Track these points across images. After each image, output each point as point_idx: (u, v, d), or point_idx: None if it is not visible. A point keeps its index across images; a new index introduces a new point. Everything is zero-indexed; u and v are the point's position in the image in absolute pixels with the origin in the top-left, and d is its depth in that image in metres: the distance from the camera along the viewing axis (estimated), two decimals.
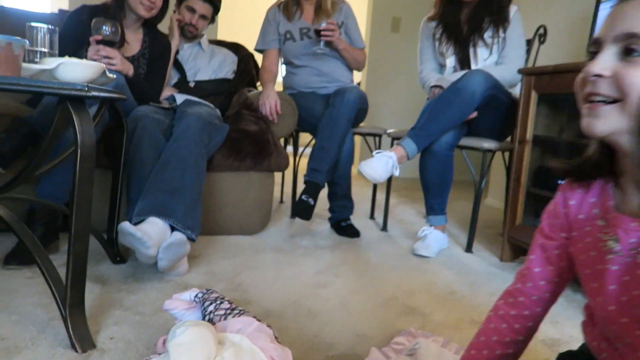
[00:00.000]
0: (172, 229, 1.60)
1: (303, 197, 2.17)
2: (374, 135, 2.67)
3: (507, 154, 2.45)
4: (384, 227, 2.58)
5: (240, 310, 1.08)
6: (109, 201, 1.83)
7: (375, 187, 2.82)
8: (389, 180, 2.58)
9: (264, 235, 2.30)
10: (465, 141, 2.16)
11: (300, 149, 2.81)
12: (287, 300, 1.52)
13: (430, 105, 2.05)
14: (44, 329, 1.20)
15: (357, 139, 3.64)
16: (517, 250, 2.11)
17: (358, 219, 2.68)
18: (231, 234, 2.23)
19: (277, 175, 2.61)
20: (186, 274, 1.69)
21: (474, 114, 2.07)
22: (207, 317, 1.09)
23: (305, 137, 2.83)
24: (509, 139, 2.37)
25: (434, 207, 2.20)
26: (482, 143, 2.10)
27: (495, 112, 2.11)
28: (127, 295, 1.46)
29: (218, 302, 1.12)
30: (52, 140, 1.24)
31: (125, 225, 1.42)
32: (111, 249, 1.76)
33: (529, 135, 1.97)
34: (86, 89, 1.03)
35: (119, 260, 1.74)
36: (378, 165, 1.94)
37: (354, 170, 2.37)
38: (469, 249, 2.23)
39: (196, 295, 1.17)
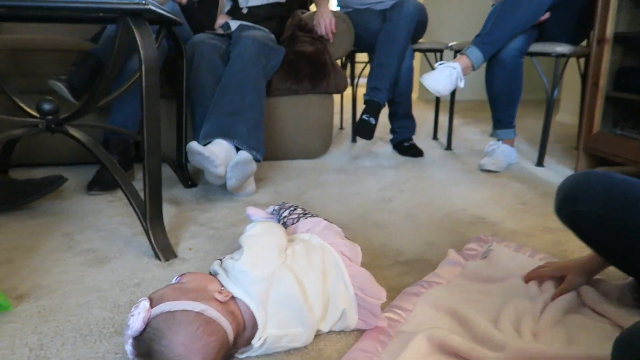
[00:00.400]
0: (237, 150, 1.63)
1: (364, 116, 2.13)
2: (435, 50, 2.54)
3: (582, 62, 2.26)
4: (448, 146, 2.51)
5: (313, 215, 1.10)
6: (176, 129, 1.89)
7: (437, 107, 2.72)
8: (452, 99, 2.48)
9: (326, 158, 2.31)
10: (536, 47, 2.01)
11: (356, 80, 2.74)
12: (353, 214, 1.53)
13: (497, 9, 1.90)
14: (129, 243, 1.29)
15: (417, 57, 3.48)
16: (593, 161, 1.99)
17: (420, 140, 2.62)
18: (294, 159, 2.25)
19: (336, 103, 2.58)
20: (254, 194, 1.74)
21: (546, 15, 1.90)
22: (281, 222, 1.12)
23: (362, 58, 2.75)
24: (584, 42, 2.17)
25: (502, 120, 2.09)
26: (554, 47, 1.94)
27: (570, 11, 1.93)
28: (201, 214, 1.53)
29: (292, 208, 1.14)
30: (115, 65, 1.27)
31: (193, 144, 1.46)
32: (182, 173, 1.83)
33: (609, 33, 1.79)
34: (144, 1, 1.03)
35: (190, 184, 1.81)
36: (441, 76, 1.85)
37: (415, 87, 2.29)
38: (540, 162, 2.13)
39: (273, 209, 1.20)
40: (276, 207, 1.21)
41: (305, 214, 1.11)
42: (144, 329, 0.71)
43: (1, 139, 1.38)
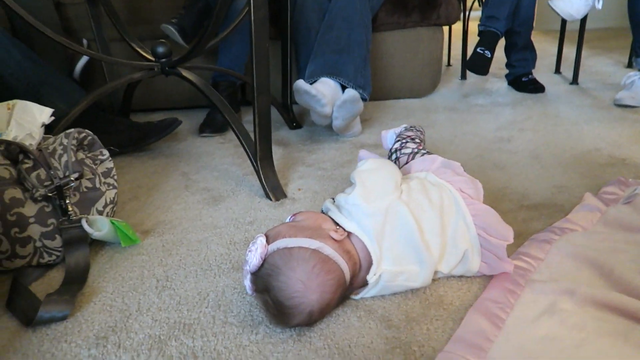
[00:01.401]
0: (343, 88, 1.57)
1: (478, 49, 1.95)
2: None
3: None
4: (574, 80, 2.24)
5: (427, 152, 1.02)
6: (281, 70, 1.87)
7: (562, 37, 2.41)
8: (582, 25, 2.17)
9: (435, 96, 2.17)
10: None
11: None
12: (468, 155, 1.42)
13: None
14: (240, 182, 1.31)
15: None
16: None
17: (540, 74, 2.35)
18: (400, 98, 2.15)
19: (444, 38, 2.38)
20: (360, 135, 1.68)
21: None
22: (393, 156, 1.06)
23: None
24: None
25: None
26: None
27: None
28: (308, 155, 1.51)
29: (406, 140, 1.07)
30: (223, 5, 1.24)
31: (301, 82, 1.42)
32: (287, 115, 1.82)
33: None
34: None
35: (296, 126, 1.80)
36: None
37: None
38: None
39: (399, 134, 1.16)
40: (397, 132, 1.18)
41: (419, 151, 1.03)
42: (262, 265, 0.70)
43: (123, 83, 1.45)
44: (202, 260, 0.93)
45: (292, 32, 1.80)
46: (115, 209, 1.09)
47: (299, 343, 0.69)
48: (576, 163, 1.31)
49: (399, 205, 0.77)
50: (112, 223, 0.96)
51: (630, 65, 2.54)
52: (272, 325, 0.73)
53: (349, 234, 0.76)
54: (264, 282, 0.70)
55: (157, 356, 0.69)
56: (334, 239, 0.73)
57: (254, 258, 0.70)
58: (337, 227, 0.77)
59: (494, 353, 0.63)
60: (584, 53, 2.45)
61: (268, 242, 0.72)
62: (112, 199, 1.03)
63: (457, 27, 2.65)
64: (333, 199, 0.86)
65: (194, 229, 1.06)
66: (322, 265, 0.69)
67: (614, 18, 3.67)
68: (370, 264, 0.75)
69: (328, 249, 0.71)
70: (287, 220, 0.83)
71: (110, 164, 1.07)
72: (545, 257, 0.84)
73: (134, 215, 1.15)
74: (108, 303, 0.81)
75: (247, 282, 0.73)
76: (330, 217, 0.81)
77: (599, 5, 1.65)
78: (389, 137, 1.24)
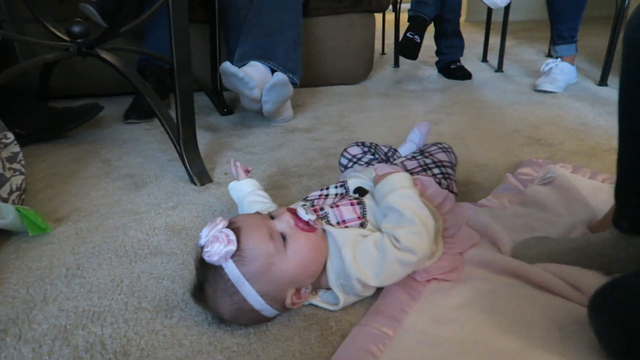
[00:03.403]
0: (273, 72, 1.55)
1: (408, 34, 1.98)
2: None
3: None
4: (499, 68, 2.33)
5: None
6: (210, 54, 1.81)
7: (488, 27, 2.50)
8: (505, 17, 2.26)
9: (368, 83, 2.19)
10: None
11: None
12: (399, 137, 1.43)
13: None
14: (165, 168, 1.26)
15: None
16: None
17: (469, 62, 2.43)
18: (334, 84, 2.15)
19: (377, 28, 2.40)
20: (292, 120, 1.67)
21: None
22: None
23: None
24: None
25: (563, 34, 1.89)
26: None
27: None
28: (237, 139, 1.48)
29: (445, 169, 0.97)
30: None
31: (227, 65, 1.38)
32: (218, 100, 1.77)
33: None
34: None
35: (226, 112, 1.76)
36: None
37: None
38: (603, 81, 1.94)
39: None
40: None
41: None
42: (209, 269, 0.64)
43: (35, 63, 1.36)
44: (118, 246, 0.89)
45: (221, 14, 1.75)
46: (23, 197, 1.01)
47: (214, 325, 0.67)
48: (497, 144, 1.35)
49: None
50: (18, 210, 0.89)
51: (550, 54, 2.67)
52: (188, 309, 0.71)
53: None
54: (202, 268, 0.65)
55: (61, 346, 0.64)
56: (285, 306, 0.66)
57: (213, 255, 0.61)
58: (306, 288, 0.68)
59: (408, 323, 0.64)
60: (508, 43, 2.55)
61: (236, 252, 0.62)
62: (18, 185, 0.96)
63: (390, 16, 2.69)
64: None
65: (111, 216, 1.01)
66: (251, 317, 0.65)
67: (536, 10, 3.85)
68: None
69: (268, 312, 0.65)
70: (284, 220, 0.67)
71: (16, 148, 0.99)
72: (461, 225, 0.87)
73: (47, 203, 1.08)
74: (10, 294, 0.75)
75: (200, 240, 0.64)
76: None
77: None
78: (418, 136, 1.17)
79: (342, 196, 0.81)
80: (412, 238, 0.66)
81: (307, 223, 0.68)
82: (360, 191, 0.81)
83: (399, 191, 0.71)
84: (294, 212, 0.69)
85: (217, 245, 0.61)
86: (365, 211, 0.75)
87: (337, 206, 0.75)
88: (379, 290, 0.72)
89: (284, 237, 0.66)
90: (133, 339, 0.65)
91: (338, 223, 0.73)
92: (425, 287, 0.72)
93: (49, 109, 1.52)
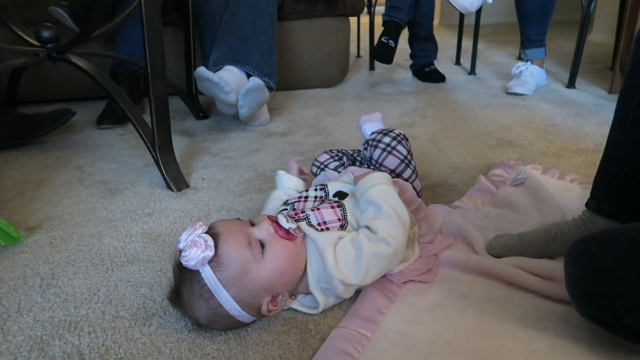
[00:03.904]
0: (248, 76, 1.55)
1: (383, 39, 2.00)
2: None
3: None
4: (472, 71, 2.37)
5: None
6: (184, 58, 1.80)
7: (460, 30, 2.55)
8: (477, 20, 2.31)
9: (344, 86, 2.21)
10: None
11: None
12: None
13: None
14: (140, 174, 1.25)
15: None
16: None
17: (442, 65, 2.48)
18: (310, 88, 2.16)
19: (352, 31, 2.42)
20: (269, 124, 1.67)
21: None
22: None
23: None
24: None
25: (532, 38, 1.94)
26: None
27: None
28: (214, 144, 1.48)
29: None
30: None
31: (202, 70, 1.38)
32: (193, 105, 1.76)
33: None
34: None
35: (202, 116, 1.75)
36: None
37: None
38: (571, 84, 2.00)
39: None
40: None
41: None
42: (187, 273, 0.64)
43: (3, 69, 1.33)
44: (94, 255, 0.88)
45: (195, 18, 1.75)
46: None
47: (194, 332, 0.67)
48: (470, 146, 1.38)
49: None
50: None
51: (520, 57, 2.73)
52: (166, 316, 0.70)
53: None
54: (179, 272, 0.65)
55: (37, 358, 0.63)
56: (261, 312, 0.66)
57: (190, 260, 0.61)
58: (280, 298, 0.68)
59: (385, 325, 0.66)
60: (480, 46, 2.61)
61: (213, 257, 0.63)
62: None
63: (365, 19, 2.71)
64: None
65: (86, 223, 0.99)
66: (226, 322, 0.66)
67: (507, 14, 3.93)
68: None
69: (244, 317, 0.66)
70: (263, 228, 0.68)
71: None
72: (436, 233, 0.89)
73: (18, 212, 1.05)
74: None
75: (179, 244, 0.65)
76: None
77: (490, 0, 1.76)
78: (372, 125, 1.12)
79: (322, 199, 0.82)
80: (387, 229, 0.67)
81: (287, 231, 0.68)
82: (340, 195, 0.82)
83: (379, 186, 0.73)
84: (274, 220, 0.69)
85: (195, 250, 0.61)
86: (346, 213, 0.76)
87: (318, 209, 0.76)
88: (357, 292, 0.73)
89: (262, 245, 0.66)
90: (112, 348, 0.65)
91: (319, 224, 0.74)
92: (402, 289, 0.73)
93: (19, 115, 1.49)
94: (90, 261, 0.86)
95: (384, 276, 0.73)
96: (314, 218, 0.74)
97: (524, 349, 0.60)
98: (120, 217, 1.02)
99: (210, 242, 0.63)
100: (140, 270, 0.83)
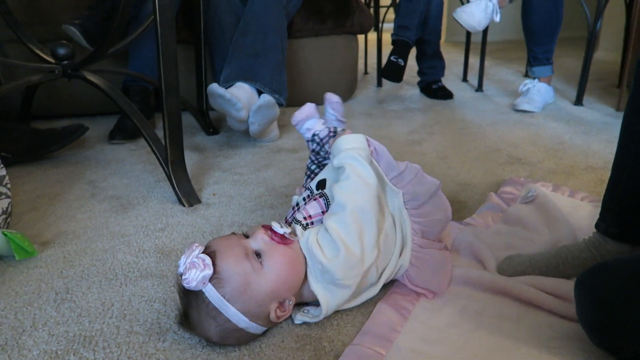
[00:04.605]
0: (259, 93, 1.57)
1: (392, 57, 2.02)
2: None
3: None
4: (479, 88, 2.39)
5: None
6: (195, 75, 1.83)
7: (467, 47, 2.57)
8: (484, 38, 2.33)
9: (352, 103, 2.23)
10: None
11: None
12: None
13: None
14: (152, 189, 1.26)
15: None
16: None
17: (449, 82, 2.50)
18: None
19: (360, 48, 2.45)
20: (278, 140, 1.68)
21: None
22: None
23: (386, 2, 2.59)
24: None
25: (539, 56, 1.96)
26: None
27: None
28: (224, 160, 1.49)
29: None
30: (127, 5, 1.19)
31: (214, 86, 1.40)
32: (204, 121, 1.78)
33: None
34: None
35: (212, 132, 1.77)
36: (476, 10, 1.73)
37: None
38: (578, 101, 2.01)
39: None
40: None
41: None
42: (191, 295, 0.65)
43: (19, 85, 1.35)
44: (108, 269, 0.88)
45: (206, 35, 1.78)
46: (9, 220, 1.00)
47: (208, 347, 0.68)
48: (479, 163, 1.39)
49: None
50: (5, 235, 0.88)
51: (527, 74, 2.75)
52: (181, 332, 0.71)
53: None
54: (184, 297, 0.66)
55: None
56: (270, 320, 0.67)
57: (191, 281, 0.62)
58: (289, 300, 0.69)
59: (399, 343, 0.66)
60: (487, 63, 2.62)
61: (213, 275, 0.63)
62: (4, 209, 0.96)
63: (373, 36, 2.74)
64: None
65: (99, 238, 1.00)
66: (238, 337, 0.66)
67: (513, 31, 3.96)
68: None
69: (254, 329, 0.66)
70: (258, 238, 0.69)
71: (2, 172, 0.99)
72: (449, 249, 0.89)
73: (32, 226, 1.07)
74: None
75: (179, 268, 0.66)
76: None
77: (497, 18, 1.78)
78: (311, 120, 1.02)
79: (309, 197, 0.83)
80: (344, 192, 0.70)
81: (282, 236, 0.70)
82: (321, 184, 0.83)
83: (345, 152, 0.74)
84: (268, 228, 0.71)
85: (194, 271, 0.63)
86: (328, 202, 0.78)
87: (305, 208, 0.79)
88: (367, 308, 0.73)
89: (259, 255, 0.68)
90: None
91: (304, 218, 0.77)
92: (415, 307, 0.73)
93: (32, 131, 1.51)
94: (104, 276, 0.86)
95: (394, 291, 0.74)
96: (299, 215, 0.78)
97: None
98: (133, 232, 1.03)
99: (208, 260, 0.64)
100: (153, 285, 0.83)
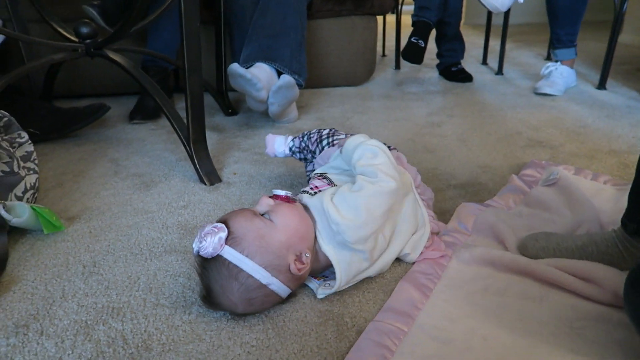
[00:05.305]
0: (279, 74, 1.56)
1: (412, 39, 2.00)
2: None
3: None
4: (499, 71, 2.35)
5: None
6: (215, 55, 1.83)
7: (488, 30, 2.53)
8: (505, 20, 2.29)
9: (370, 85, 2.21)
10: None
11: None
12: (401, 139, 1.46)
13: None
14: (173, 168, 1.28)
15: None
16: None
17: (469, 65, 2.47)
18: (336, 86, 2.17)
19: (379, 30, 2.42)
20: (297, 121, 1.69)
21: None
22: (325, 142, 1.04)
23: None
24: None
25: (562, 38, 1.92)
26: None
27: None
28: (244, 140, 1.50)
29: (332, 130, 1.08)
30: None
31: (235, 66, 1.40)
32: (223, 101, 1.79)
33: None
34: None
35: (231, 112, 1.77)
36: None
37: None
38: (601, 85, 1.97)
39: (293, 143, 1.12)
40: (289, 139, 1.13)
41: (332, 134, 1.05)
42: (210, 265, 0.67)
43: (43, 64, 1.37)
44: (133, 244, 0.90)
45: (226, 16, 1.77)
46: (36, 195, 1.03)
47: (233, 320, 0.69)
48: (499, 145, 1.38)
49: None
50: (33, 209, 0.90)
51: (549, 57, 2.70)
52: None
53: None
54: (204, 271, 0.68)
55: (83, 341, 0.66)
56: (291, 272, 0.68)
57: (208, 247, 0.65)
58: (304, 255, 0.70)
59: (421, 319, 0.66)
60: (508, 46, 2.58)
61: (228, 236, 0.66)
62: (32, 184, 0.98)
63: (391, 19, 2.71)
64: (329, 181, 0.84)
65: (123, 214, 1.02)
66: (262, 298, 0.67)
67: (536, 14, 3.89)
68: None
69: (276, 285, 0.67)
70: (263, 203, 0.73)
71: (30, 148, 1.01)
72: (471, 230, 0.89)
73: (58, 202, 1.09)
74: (29, 291, 0.77)
75: (194, 249, 0.68)
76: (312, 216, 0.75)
77: (521, 0, 1.75)
78: (277, 141, 1.13)
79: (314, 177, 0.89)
80: (386, 170, 0.74)
81: (285, 197, 0.75)
82: (322, 174, 0.89)
83: (368, 141, 0.80)
84: (271, 196, 0.76)
85: (210, 238, 0.65)
86: (332, 180, 0.84)
87: (311, 183, 0.85)
88: (388, 287, 0.74)
89: (267, 216, 0.72)
90: (154, 334, 0.67)
91: (311, 188, 0.82)
92: (436, 285, 0.74)
93: (56, 109, 1.53)
94: (129, 250, 0.88)
95: (415, 270, 0.76)
96: (306, 188, 0.83)
97: (563, 348, 0.61)
98: (156, 209, 1.04)
99: (220, 224, 0.67)
100: (177, 260, 0.85)
